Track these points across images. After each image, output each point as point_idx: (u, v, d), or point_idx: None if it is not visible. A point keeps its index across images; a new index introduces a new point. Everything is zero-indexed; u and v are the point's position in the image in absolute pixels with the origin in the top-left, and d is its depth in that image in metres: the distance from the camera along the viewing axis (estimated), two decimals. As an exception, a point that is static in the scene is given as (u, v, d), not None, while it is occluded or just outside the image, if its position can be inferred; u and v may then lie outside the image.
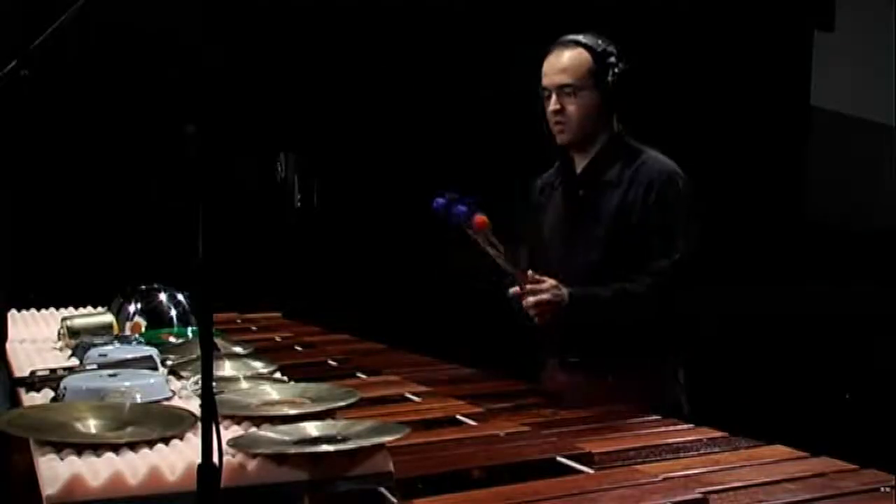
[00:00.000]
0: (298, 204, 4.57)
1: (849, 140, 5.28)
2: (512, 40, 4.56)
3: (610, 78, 2.39)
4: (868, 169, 5.28)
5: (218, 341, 2.23)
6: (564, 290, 2.31)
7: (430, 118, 4.65)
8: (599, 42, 2.42)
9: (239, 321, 3.27)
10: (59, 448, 1.43)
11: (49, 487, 1.30)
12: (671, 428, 1.92)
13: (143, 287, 2.61)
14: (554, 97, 2.42)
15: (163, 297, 2.58)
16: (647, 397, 2.22)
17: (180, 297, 2.59)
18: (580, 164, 2.50)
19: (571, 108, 2.41)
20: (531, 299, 2.29)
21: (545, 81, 2.44)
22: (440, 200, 2.25)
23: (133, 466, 1.35)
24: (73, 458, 1.39)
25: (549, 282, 2.30)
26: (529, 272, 2.31)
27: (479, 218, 2.23)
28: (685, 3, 4.74)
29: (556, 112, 2.42)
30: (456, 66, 4.58)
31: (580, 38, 2.43)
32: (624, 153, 2.45)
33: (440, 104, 4.61)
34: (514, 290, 2.33)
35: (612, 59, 2.40)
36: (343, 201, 4.62)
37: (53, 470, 1.33)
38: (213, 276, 1.25)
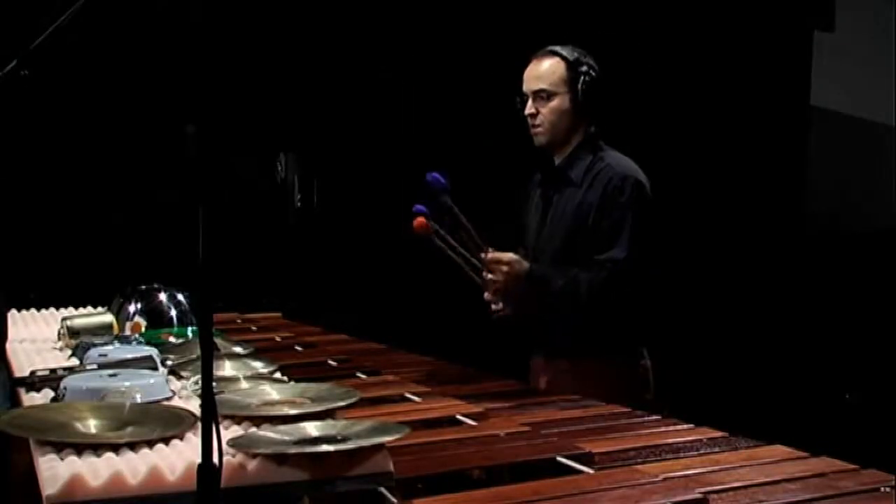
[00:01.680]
0: (298, 204, 4.57)
1: (849, 140, 5.26)
2: (512, 41, 4.57)
3: (580, 85, 2.55)
4: (868, 169, 5.27)
5: (218, 341, 2.24)
6: (525, 264, 2.50)
7: (430, 118, 4.65)
8: (575, 53, 2.59)
9: (239, 321, 3.27)
10: (59, 448, 1.43)
11: (49, 487, 1.30)
12: (671, 428, 1.91)
13: (143, 287, 2.61)
14: (530, 101, 2.60)
15: (163, 297, 2.59)
16: (607, 384, 2.35)
17: (180, 297, 2.59)
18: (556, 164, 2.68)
19: (545, 111, 2.59)
20: (493, 268, 2.45)
21: (524, 87, 2.62)
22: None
23: (133, 466, 1.35)
24: (73, 458, 1.39)
25: (510, 255, 2.49)
26: (491, 250, 2.47)
27: (418, 220, 2.40)
28: (685, 3, 4.74)
29: (531, 115, 2.60)
30: (456, 67, 4.58)
31: (557, 48, 2.61)
32: (591, 155, 2.60)
33: (440, 104, 4.61)
34: (488, 255, 2.46)
35: (584, 69, 2.57)
36: (343, 201, 4.62)
37: (53, 470, 1.33)
38: (213, 276, 1.25)
